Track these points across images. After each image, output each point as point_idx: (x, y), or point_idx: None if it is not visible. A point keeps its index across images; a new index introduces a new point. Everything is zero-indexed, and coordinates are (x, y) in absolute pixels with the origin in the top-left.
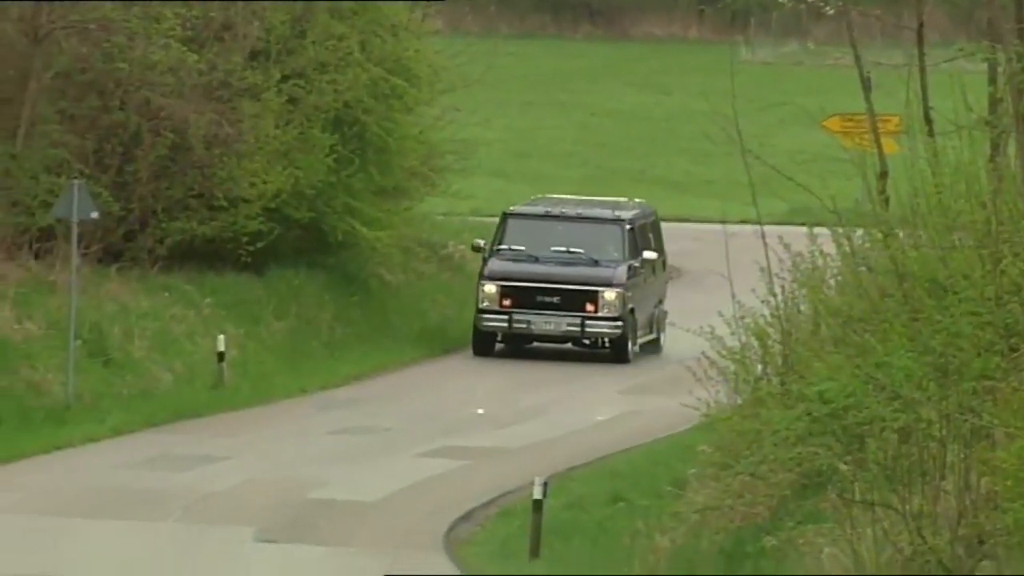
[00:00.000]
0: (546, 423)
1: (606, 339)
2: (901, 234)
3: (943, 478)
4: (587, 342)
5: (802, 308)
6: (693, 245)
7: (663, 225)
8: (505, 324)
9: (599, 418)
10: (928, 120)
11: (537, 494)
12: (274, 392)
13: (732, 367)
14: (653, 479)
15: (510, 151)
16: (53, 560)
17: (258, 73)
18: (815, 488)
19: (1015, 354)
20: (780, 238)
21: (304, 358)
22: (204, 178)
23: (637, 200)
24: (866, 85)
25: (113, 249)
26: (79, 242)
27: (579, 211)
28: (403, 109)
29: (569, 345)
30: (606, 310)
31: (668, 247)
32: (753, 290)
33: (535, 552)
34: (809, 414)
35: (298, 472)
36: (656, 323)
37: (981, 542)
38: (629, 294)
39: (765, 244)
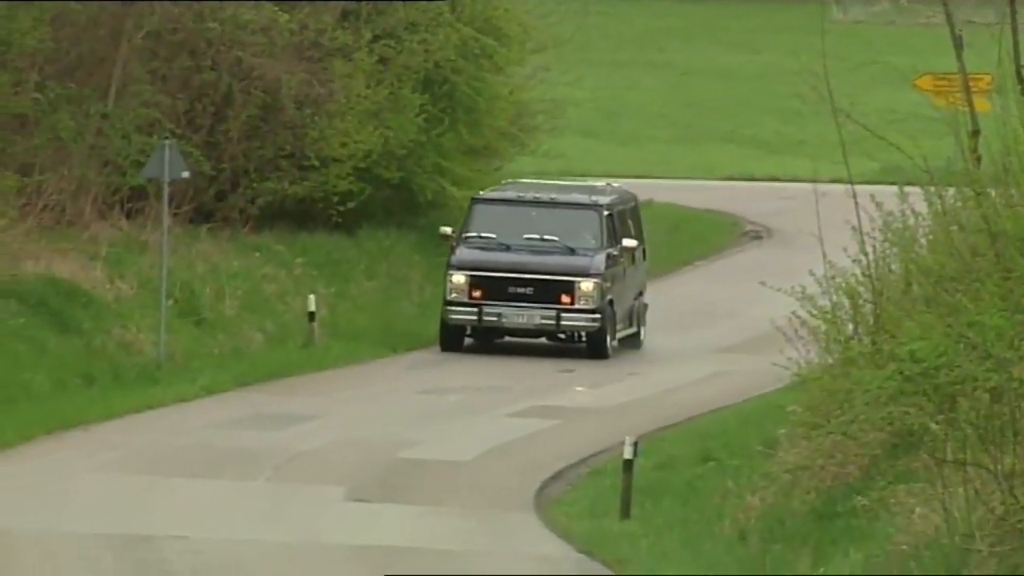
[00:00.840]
0: (636, 383)
1: (582, 333)
2: (993, 193)
3: None
4: (562, 336)
5: (893, 267)
6: (784, 204)
7: (753, 185)
8: (475, 317)
9: (689, 378)
10: (1020, 78)
11: (628, 454)
12: (364, 352)
13: (823, 327)
14: (743, 439)
15: (600, 111)
16: (147, 518)
17: (349, 33)
18: (906, 448)
19: None
20: (871, 197)
21: (394, 318)
22: (295, 138)
23: (615, 184)
24: (958, 43)
25: (204, 209)
26: (170, 202)
27: (553, 196)
28: (493, 69)
29: (543, 340)
30: (583, 302)
31: (761, 206)
32: (844, 249)
33: (626, 512)
34: (900, 373)
35: (388, 432)
36: (636, 316)
37: None
38: (607, 284)
39: (856, 203)
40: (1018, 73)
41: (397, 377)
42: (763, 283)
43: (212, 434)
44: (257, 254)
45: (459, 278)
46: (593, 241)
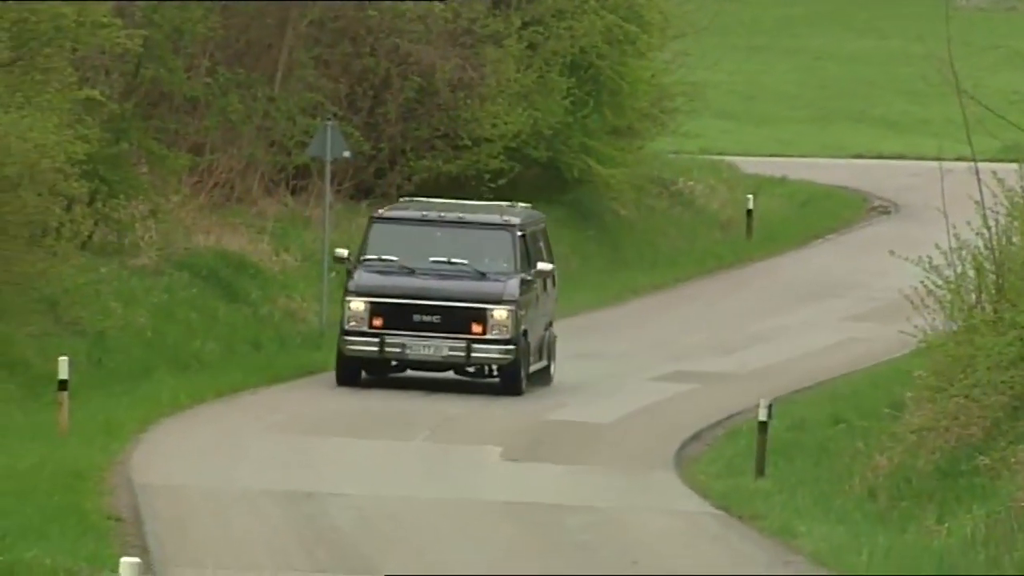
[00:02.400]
0: (771, 349)
1: (494, 366)
2: None
3: None
4: (471, 370)
5: (1015, 240)
6: (910, 181)
7: (881, 163)
8: (375, 348)
9: (821, 345)
10: None
11: (762, 416)
12: None
13: (948, 296)
14: (872, 402)
15: (736, 93)
16: (311, 475)
17: (500, 20)
18: None
19: None
20: (993, 174)
21: None
22: (449, 119)
23: (522, 205)
24: None
25: (364, 186)
26: (332, 179)
27: (461, 215)
28: (635, 54)
29: (451, 373)
30: (495, 331)
31: (888, 183)
32: (968, 223)
33: (760, 470)
34: (1021, 340)
35: (537, 395)
36: (547, 348)
37: None
38: (522, 313)
39: (979, 180)
40: None
41: None
42: (892, 252)
43: (371, 397)
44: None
45: (358, 305)
46: (505, 265)
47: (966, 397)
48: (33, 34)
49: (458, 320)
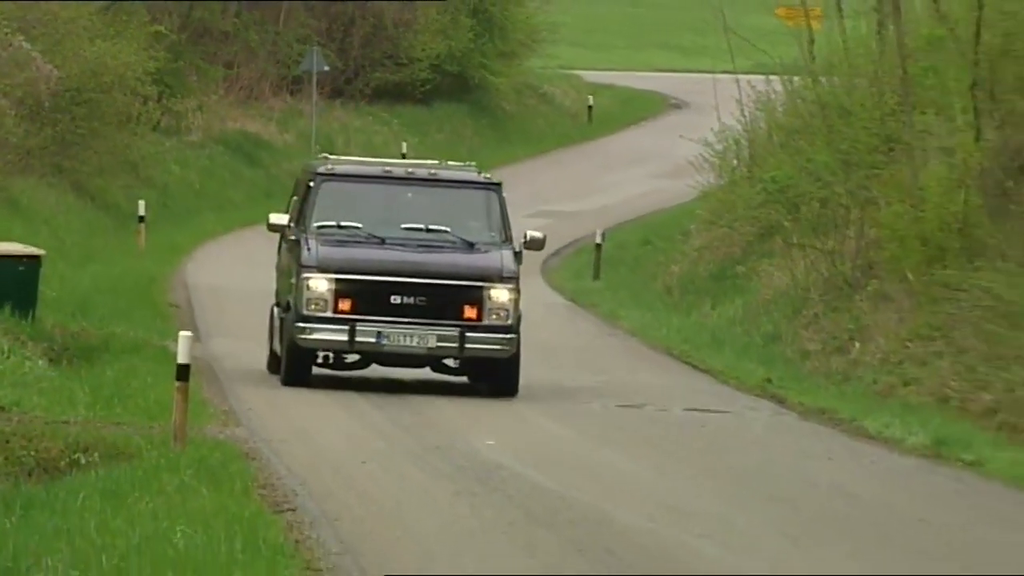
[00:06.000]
0: (605, 196)
1: (492, 360)
2: (823, 79)
3: (847, 229)
4: (452, 364)
5: (761, 125)
6: (695, 87)
7: (676, 75)
8: (343, 338)
9: (637, 193)
10: (839, 7)
11: (598, 240)
12: None
13: (717, 162)
14: (669, 230)
15: (582, 28)
16: None
17: None
18: (768, 236)
19: (892, 152)
20: (748, 82)
21: (456, 157)
22: (393, 45)
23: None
24: None
25: (337, 90)
26: (317, 85)
27: (432, 171)
28: (516, 3)
29: (426, 370)
30: (494, 316)
31: (680, 88)
32: (731, 114)
33: (596, 276)
34: (766, 190)
35: None
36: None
37: (870, 267)
38: (519, 295)
39: (738, 86)
40: (838, 4)
41: None
42: (681, 136)
43: None
44: (370, 117)
45: (319, 284)
46: (493, 233)
47: (729, 228)
48: None
49: (448, 302)
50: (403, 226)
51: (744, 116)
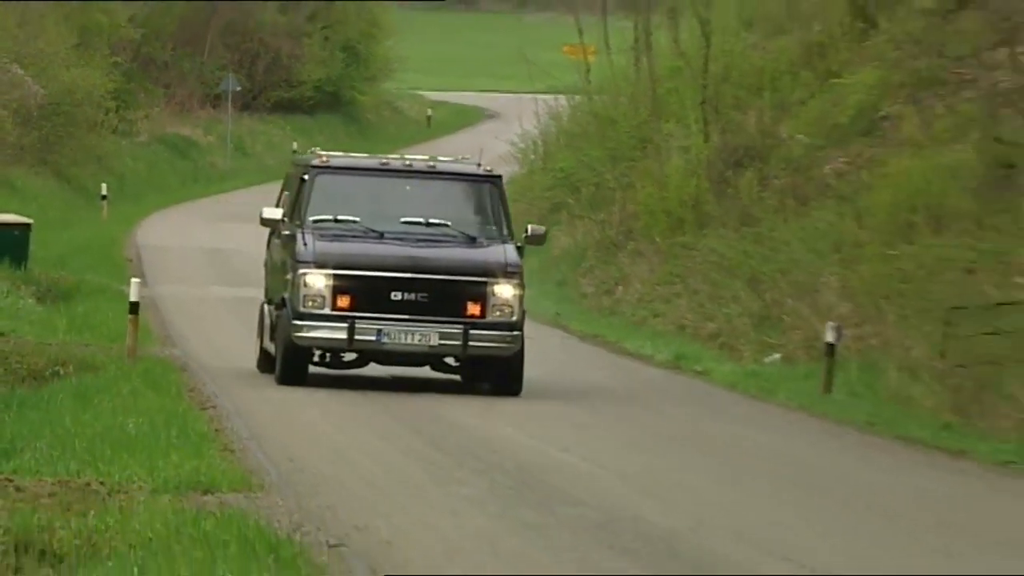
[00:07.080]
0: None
1: (497, 357)
2: (596, 97)
3: (614, 205)
4: (453, 363)
5: (552, 130)
6: (506, 103)
7: (494, 95)
8: (343, 336)
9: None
10: (607, 46)
11: None
12: None
13: (520, 155)
14: None
15: (429, 60)
16: (223, 240)
17: (314, 26)
18: (557, 210)
19: (645, 149)
20: (544, 102)
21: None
22: (287, 72)
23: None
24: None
25: (247, 104)
26: (231, 100)
27: (431, 164)
28: (378, 41)
29: (426, 369)
30: (498, 313)
31: (495, 104)
32: (531, 121)
33: None
34: (555, 177)
35: None
36: None
37: (630, 233)
38: (524, 291)
39: (536, 102)
40: (606, 43)
41: None
42: (496, 137)
43: None
44: (270, 124)
45: (316, 280)
46: (494, 227)
47: (529, 204)
48: (88, 27)
49: (451, 299)
50: (402, 220)
51: (539, 124)
